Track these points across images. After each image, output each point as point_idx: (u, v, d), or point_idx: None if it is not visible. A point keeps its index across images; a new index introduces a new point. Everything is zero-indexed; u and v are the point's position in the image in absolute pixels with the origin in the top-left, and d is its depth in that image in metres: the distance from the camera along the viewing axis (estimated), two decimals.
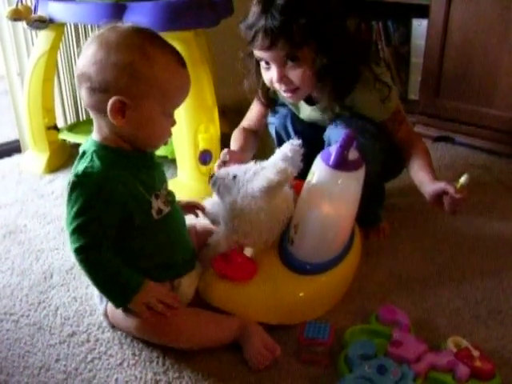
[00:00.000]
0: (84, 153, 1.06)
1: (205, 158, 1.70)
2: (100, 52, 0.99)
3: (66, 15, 1.74)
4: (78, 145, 1.95)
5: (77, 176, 1.01)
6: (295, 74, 1.32)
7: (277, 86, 1.37)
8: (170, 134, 1.10)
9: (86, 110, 2.18)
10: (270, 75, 1.35)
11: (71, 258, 1.40)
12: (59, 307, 1.23)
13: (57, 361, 1.08)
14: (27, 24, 1.73)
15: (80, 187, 1.00)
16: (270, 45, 1.27)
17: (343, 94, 1.36)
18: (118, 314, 1.10)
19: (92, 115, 1.06)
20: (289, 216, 1.22)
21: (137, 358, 1.08)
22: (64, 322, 1.18)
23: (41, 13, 1.75)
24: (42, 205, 1.70)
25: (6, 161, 2.03)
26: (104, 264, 1.03)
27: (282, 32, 1.25)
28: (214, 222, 1.30)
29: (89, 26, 2.07)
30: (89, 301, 1.24)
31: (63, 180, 1.87)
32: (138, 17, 1.58)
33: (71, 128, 2.03)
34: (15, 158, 2.05)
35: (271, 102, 1.55)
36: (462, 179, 1.23)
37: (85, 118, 2.18)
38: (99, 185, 1.00)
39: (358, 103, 1.38)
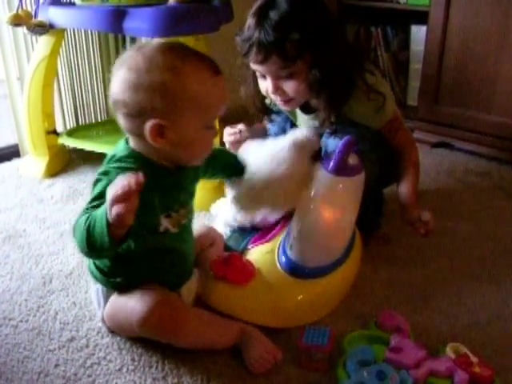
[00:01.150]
0: (113, 156, 1.05)
1: None
2: (130, 77, 0.98)
3: (66, 21, 1.75)
4: (78, 149, 2.00)
5: (99, 173, 1.02)
6: (289, 87, 1.34)
7: (272, 96, 1.39)
8: (212, 146, 1.09)
9: (85, 114, 2.19)
10: (265, 85, 1.37)
11: (70, 263, 1.41)
12: (58, 312, 1.23)
13: (56, 366, 1.08)
14: (27, 29, 1.73)
15: (102, 179, 1.00)
16: (263, 59, 1.29)
17: (338, 104, 1.37)
18: (119, 314, 1.09)
19: (132, 139, 1.05)
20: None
21: (136, 363, 1.08)
22: (63, 327, 1.18)
23: (41, 18, 1.76)
24: (41, 209, 1.70)
25: (6, 165, 2.03)
26: (80, 223, 0.96)
27: (274, 47, 1.26)
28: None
29: (89, 32, 2.08)
30: (88, 306, 1.24)
31: (63, 184, 1.87)
32: (137, 22, 1.58)
33: (71, 133, 2.04)
34: (15, 162, 2.05)
35: (267, 109, 1.57)
36: (423, 217, 1.31)
37: (84, 122, 2.19)
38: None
39: (353, 113, 1.39)
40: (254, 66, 1.34)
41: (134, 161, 1.03)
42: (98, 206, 0.96)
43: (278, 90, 1.35)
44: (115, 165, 1.02)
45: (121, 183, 0.87)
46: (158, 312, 1.03)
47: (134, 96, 0.98)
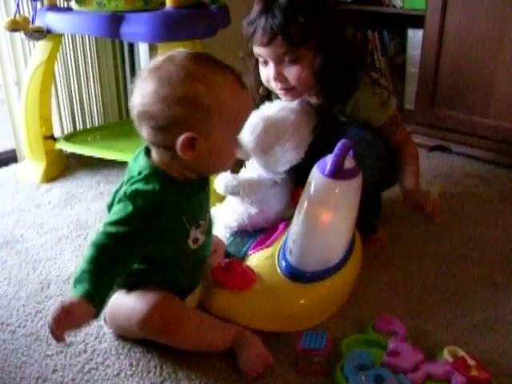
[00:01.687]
0: (139, 173, 1.03)
1: None
2: (162, 89, 0.96)
3: (63, 26, 1.75)
4: (75, 154, 2.00)
5: (126, 193, 0.99)
6: (291, 73, 1.34)
7: (273, 84, 1.38)
8: (236, 157, 1.09)
9: (82, 119, 2.19)
10: (267, 72, 1.37)
11: (68, 268, 1.41)
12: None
13: (54, 371, 1.07)
14: (25, 34, 1.73)
15: (127, 203, 0.98)
16: (268, 41, 1.29)
17: (339, 98, 1.38)
18: (119, 314, 1.10)
19: (155, 151, 1.04)
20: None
21: (134, 368, 1.08)
22: None
23: (38, 23, 1.77)
24: (38, 214, 1.70)
25: (3, 170, 2.03)
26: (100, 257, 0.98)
27: (280, 30, 1.27)
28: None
29: (86, 37, 2.09)
30: None
31: (60, 189, 1.87)
32: (135, 27, 1.59)
33: (68, 138, 2.03)
34: (12, 167, 2.05)
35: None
36: (433, 190, 1.32)
37: (81, 127, 2.19)
38: (145, 209, 0.98)
39: (359, 107, 1.39)
40: (257, 51, 1.34)
41: (158, 180, 1.01)
42: (116, 233, 0.97)
43: (279, 75, 1.35)
44: (143, 187, 1.00)
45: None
46: (158, 313, 1.03)
47: (166, 108, 0.95)
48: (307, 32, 1.28)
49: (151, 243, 1.02)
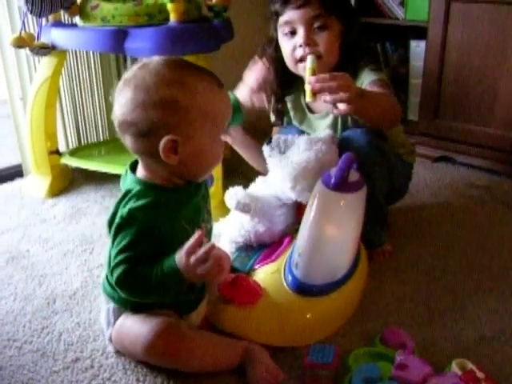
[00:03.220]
0: (128, 192, 1.03)
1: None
2: (139, 95, 0.97)
3: (68, 42, 1.77)
4: (80, 169, 2.01)
5: (123, 218, 1.00)
6: (322, 38, 1.39)
7: (298, 53, 1.40)
8: (222, 157, 1.10)
9: (87, 134, 2.20)
10: (293, 43, 1.41)
11: (74, 283, 1.41)
12: (62, 333, 1.22)
13: None
14: (30, 51, 1.75)
15: (126, 227, 0.99)
16: (304, 2, 1.35)
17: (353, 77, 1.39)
18: (125, 338, 1.09)
19: (140, 159, 1.05)
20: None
21: (141, 383, 1.08)
22: (67, 348, 1.18)
23: (43, 40, 1.78)
24: (44, 229, 1.71)
25: (9, 185, 2.04)
26: (143, 277, 0.99)
27: None
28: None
29: (90, 52, 2.10)
30: (92, 326, 1.24)
31: (65, 204, 1.88)
32: (139, 43, 1.60)
33: (73, 152, 2.04)
34: (17, 182, 2.06)
35: (281, 112, 1.60)
36: (308, 64, 1.32)
37: (86, 142, 2.20)
38: (146, 225, 0.99)
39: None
40: (287, 17, 1.39)
41: (150, 193, 1.02)
42: (136, 258, 0.98)
43: (309, 40, 1.38)
44: (136, 204, 1.00)
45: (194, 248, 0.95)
46: (162, 340, 1.03)
47: (144, 114, 0.97)
48: (339, 2, 1.41)
49: (161, 246, 1.01)
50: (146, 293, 1.02)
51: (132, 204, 1.00)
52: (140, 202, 1.00)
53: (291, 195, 1.33)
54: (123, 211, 1.00)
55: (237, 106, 1.38)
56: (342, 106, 1.19)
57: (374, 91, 1.35)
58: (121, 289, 1.02)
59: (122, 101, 0.99)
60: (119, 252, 1.00)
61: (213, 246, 0.95)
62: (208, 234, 1.14)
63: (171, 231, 1.02)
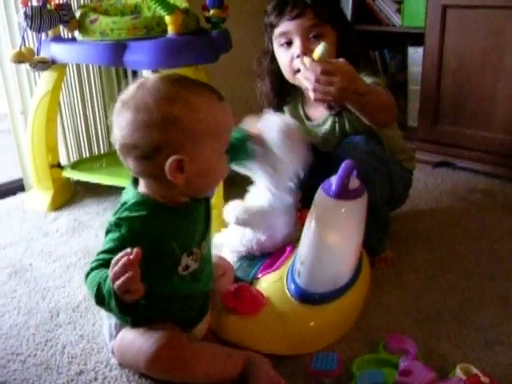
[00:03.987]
0: (124, 203, 1.02)
1: None
2: (139, 116, 0.94)
3: (67, 56, 1.78)
4: (82, 182, 2.01)
5: (110, 224, 1.00)
6: None
7: (296, 64, 1.41)
8: (227, 171, 1.08)
9: (88, 147, 2.21)
10: (290, 54, 1.43)
11: (77, 296, 1.41)
12: (66, 346, 1.22)
13: None
14: (30, 66, 1.76)
15: (111, 233, 0.99)
16: (299, 13, 1.38)
17: None
18: (127, 352, 1.08)
19: (142, 180, 1.03)
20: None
21: None
22: (71, 361, 1.18)
23: (43, 54, 1.79)
24: (47, 243, 1.71)
25: (11, 200, 2.05)
26: (93, 279, 0.98)
27: (310, 4, 1.39)
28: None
29: (90, 66, 2.11)
30: (96, 338, 1.24)
31: (67, 217, 1.88)
32: (138, 55, 1.61)
33: (74, 166, 2.05)
34: (19, 196, 2.06)
35: (280, 107, 1.62)
36: (319, 50, 1.21)
37: (87, 155, 2.21)
38: (129, 235, 0.97)
39: None
40: (283, 28, 1.41)
41: (145, 207, 1.00)
42: (107, 261, 0.94)
43: (306, 49, 1.39)
44: (125, 214, 1.00)
45: (119, 259, 0.89)
46: (164, 355, 1.02)
47: (147, 135, 0.94)
48: (333, 11, 1.43)
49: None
50: (94, 297, 0.98)
51: (124, 213, 1.00)
52: (128, 213, 0.99)
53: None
54: (111, 218, 1.01)
55: (244, 144, 1.29)
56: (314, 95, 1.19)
57: (369, 84, 1.34)
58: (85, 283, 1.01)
59: (122, 123, 0.96)
60: (98, 253, 1.00)
61: (125, 253, 0.89)
62: (204, 259, 1.10)
63: (155, 248, 0.98)
